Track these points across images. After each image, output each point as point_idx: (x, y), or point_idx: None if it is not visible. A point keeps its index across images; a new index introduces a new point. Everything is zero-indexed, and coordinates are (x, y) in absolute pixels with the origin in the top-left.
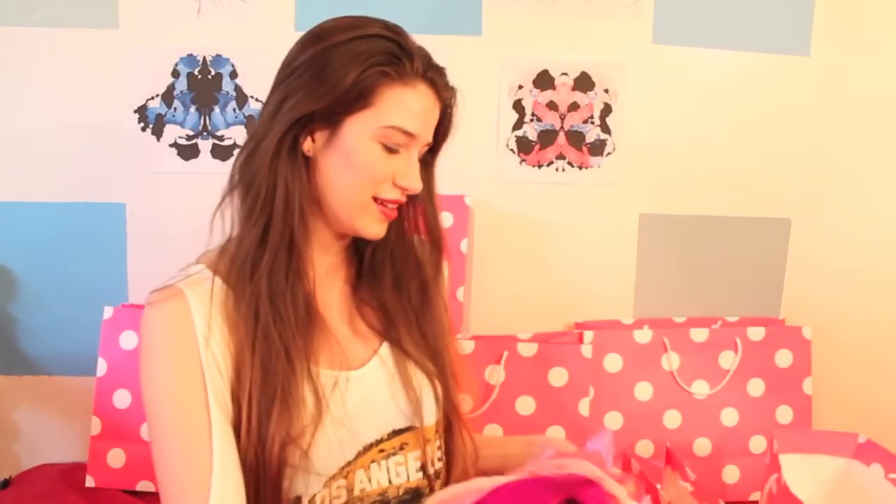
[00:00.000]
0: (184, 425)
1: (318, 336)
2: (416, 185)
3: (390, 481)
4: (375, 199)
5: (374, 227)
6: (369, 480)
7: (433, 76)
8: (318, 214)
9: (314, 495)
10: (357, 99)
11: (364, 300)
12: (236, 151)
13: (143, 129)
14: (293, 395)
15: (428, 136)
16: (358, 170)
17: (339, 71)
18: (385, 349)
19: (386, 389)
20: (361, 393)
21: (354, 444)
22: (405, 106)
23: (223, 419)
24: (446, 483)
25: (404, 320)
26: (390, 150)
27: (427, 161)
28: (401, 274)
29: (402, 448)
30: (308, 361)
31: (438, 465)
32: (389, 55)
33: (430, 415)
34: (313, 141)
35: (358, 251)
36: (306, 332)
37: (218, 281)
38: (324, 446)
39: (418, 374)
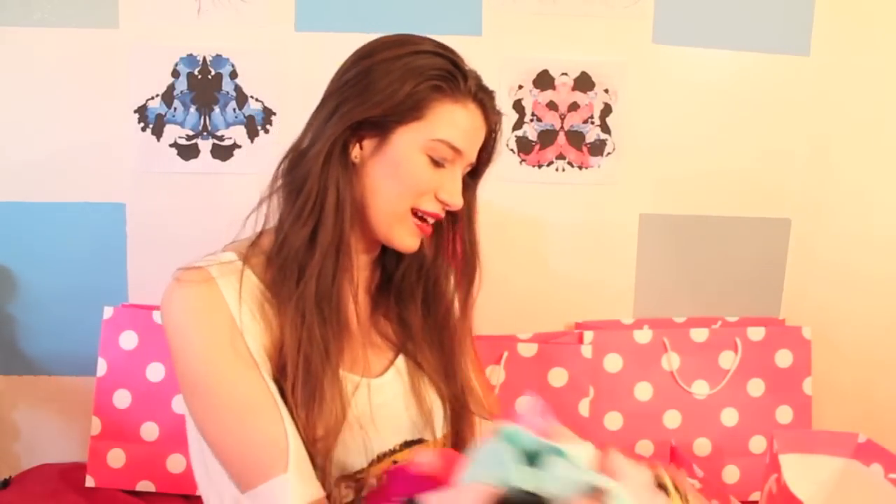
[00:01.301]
0: (246, 396)
1: (345, 340)
2: (457, 201)
3: None
4: (414, 212)
5: (408, 240)
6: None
7: (483, 98)
8: (356, 222)
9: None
10: (410, 110)
11: (383, 312)
12: (237, 151)
13: (143, 129)
14: (328, 396)
15: (472, 156)
16: (403, 179)
17: (395, 82)
18: (401, 361)
19: (401, 400)
20: (379, 400)
21: (369, 451)
22: (455, 122)
23: (275, 389)
24: None
25: (426, 339)
26: (436, 164)
27: (469, 184)
28: (431, 295)
29: None
30: (337, 363)
31: None
32: (444, 71)
33: (440, 429)
34: (361, 148)
35: (383, 263)
36: (340, 336)
37: (249, 273)
38: (342, 450)
39: (430, 392)
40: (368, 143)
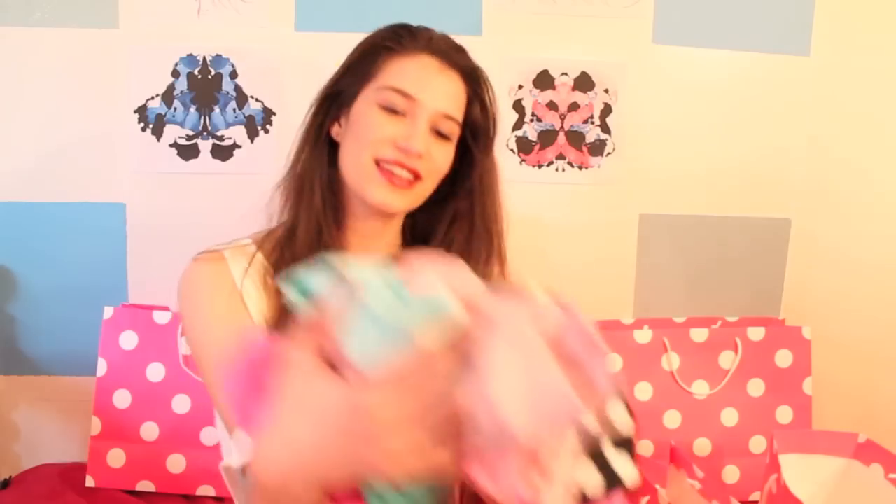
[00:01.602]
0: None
1: None
2: (412, 144)
3: None
4: (377, 162)
5: (378, 193)
6: None
7: (442, 50)
8: (349, 192)
9: None
10: (364, 74)
11: None
12: (237, 151)
13: (143, 129)
14: None
15: (435, 103)
16: (360, 133)
17: (354, 56)
18: None
19: None
20: None
21: None
22: (403, 71)
23: None
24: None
25: None
26: (391, 112)
27: (478, 156)
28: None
29: None
30: None
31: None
32: (392, 34)
33: None
34: (340, 126)
35: (412, 232)
36: None
37: (259, 255)
38: None
39: None
40: (343, 119)
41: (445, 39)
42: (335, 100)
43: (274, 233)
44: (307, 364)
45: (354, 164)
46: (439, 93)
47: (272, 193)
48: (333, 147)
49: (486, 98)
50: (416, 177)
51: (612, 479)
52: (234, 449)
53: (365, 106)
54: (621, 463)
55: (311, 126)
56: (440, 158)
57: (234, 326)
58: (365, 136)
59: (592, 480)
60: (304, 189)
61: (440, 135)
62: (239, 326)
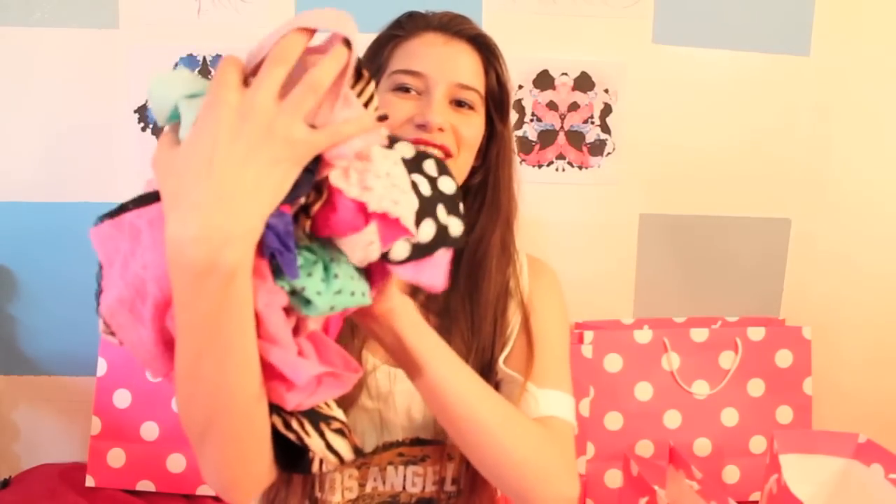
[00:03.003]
0: None
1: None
2: (431, 118)
3: (404, 488)
4: None
5: None
6: (383, 482)
7: (440, 21)
8: None
9: (325, 473)
10: (375, 70)
11: (422, 302)
12: None
13: (143, 129)
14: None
15: (446, 75)
16: None
17: (362, 58)
18: None
19: (420, 396)
20: (396, 389)
21: (375, 436)
22: (408, 53)
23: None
24: None
25: (466, 329)
26: (403, 91)
27: (498, 128)
28: (474, 280)
29: (423, 460)
30: (359, 342)
31: (464, 486)
32: (395, 23)
33: None
34: None
35: None
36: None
37: None
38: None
39: None
40: None
41: (447, 13)
42: None
43: None
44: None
45: None
46: (449, 64)
47: None
48: None
49: (500, 66)
50: (447, 153)
51: (441, 233)
52: None
53: (380, 98)
54: (446, 217)
55: None
56: (468, 131)
57: None
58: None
59: (411, 203)
60: None
61: (462, 105)
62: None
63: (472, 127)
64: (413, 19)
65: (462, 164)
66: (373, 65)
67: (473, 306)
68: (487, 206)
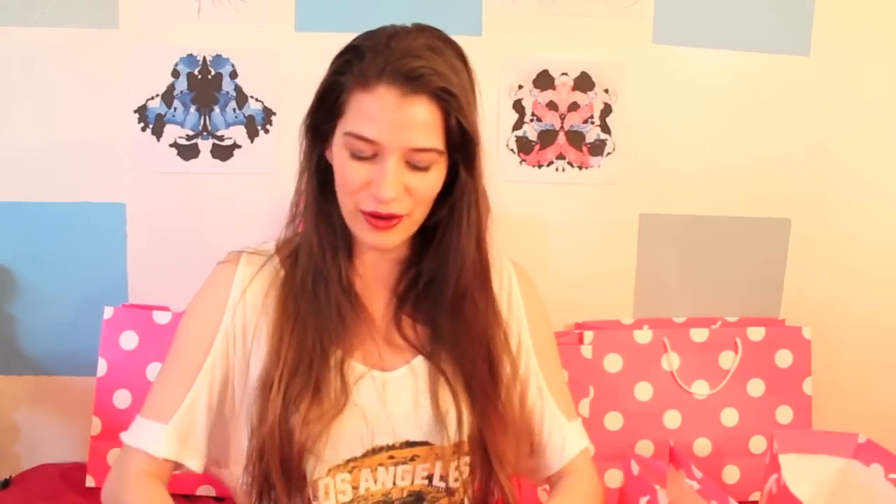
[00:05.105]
0: (180, 357)
1: (360, 332)
2: (383, 193)
3: (395, 483)
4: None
5: (367, 236)
6: (375, 482)
7: (397, 71)
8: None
9: (317, 480)
10: (332, 111)
11: (408, 312)
12: (237, 151)
13: (143, 129)
14: (322, 383)
15: (399, 141)
16: (338, 179)
17: (319, 90)
18: (419, 362)
19: (410, 400)
20: (385, 395)
21: (365, 441)
22: (362, 111)
23: (214, 373)
24: None
25: (454, 347)
26: (358, 158)
27: (465, 182)
28: (460, 304)
29: (412, 459)
30: (343, 352)
31: (454, 483)
32: (346, 63)
33: (452, 435)
34: (330, 150)
35: (417, 266)
36: (345, 325)
37: (275, 258)
38: (335, 435)
39: (447, 396)
40: (328, 149)
41: (404, 57)
42: (317, 132)
43: (293, 239)
44: None
45: (343, 208)
46: (403, 131)
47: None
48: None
49: (464, 114)
50: (399, 218)
51: None
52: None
53: (339, 149)
54: None
55: (306, 155)
56: (422, 188)
57: (194, 335)
58: (343, 185)
59: None
60: (306, 208)
61: (418, 168)
62: (197, 338)
63: (428, 184)
64: (371, 61)
65: (418, 217)
66: (326, 104)
67: (461, 337)
68: (453, 252)
